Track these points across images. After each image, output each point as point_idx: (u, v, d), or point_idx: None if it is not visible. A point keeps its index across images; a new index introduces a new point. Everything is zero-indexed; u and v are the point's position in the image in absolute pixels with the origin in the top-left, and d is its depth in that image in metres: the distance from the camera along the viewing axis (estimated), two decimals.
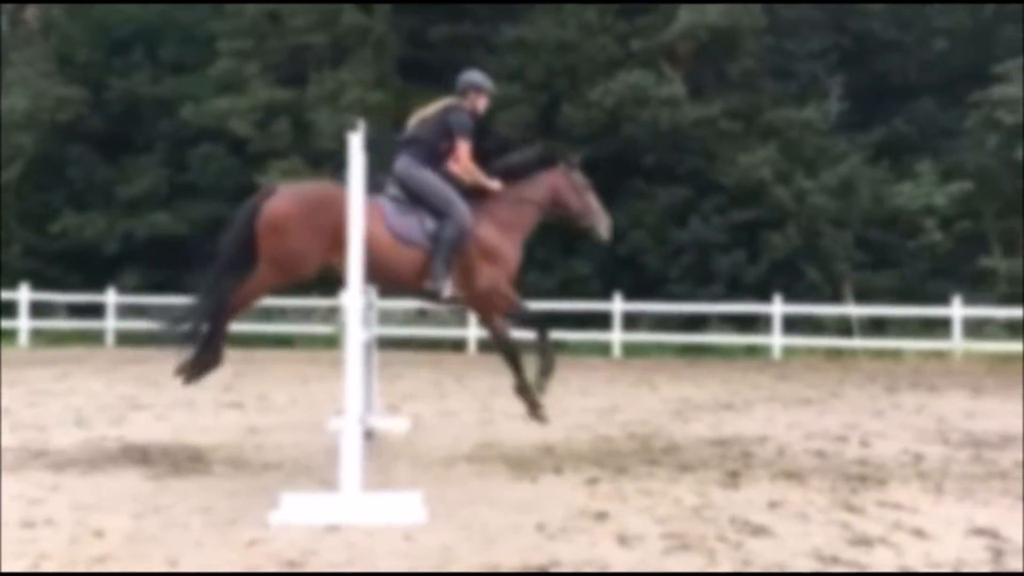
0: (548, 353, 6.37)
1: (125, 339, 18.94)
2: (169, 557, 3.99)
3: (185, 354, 6.06)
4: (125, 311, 19.44)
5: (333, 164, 17.12)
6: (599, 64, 20.78)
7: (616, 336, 17.74)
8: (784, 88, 21.53)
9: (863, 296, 18.63)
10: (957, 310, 16.74)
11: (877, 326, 18.04)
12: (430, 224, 6.11)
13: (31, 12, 24.11)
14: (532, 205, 6.47)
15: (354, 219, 4.94)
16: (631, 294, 18.20)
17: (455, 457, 6.41)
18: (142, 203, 22.10)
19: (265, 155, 21.07)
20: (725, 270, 19.59)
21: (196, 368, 6.08)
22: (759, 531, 4.47)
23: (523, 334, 6.56)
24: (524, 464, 6.12)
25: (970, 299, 17.40)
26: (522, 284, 6.63)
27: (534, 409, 6.38)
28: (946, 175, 19.81)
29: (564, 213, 6.64)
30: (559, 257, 19.62)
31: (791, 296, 17.94)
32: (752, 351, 17.45)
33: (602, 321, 18.08)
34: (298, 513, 4.55)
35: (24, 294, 19.08)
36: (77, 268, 21.80)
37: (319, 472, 5.74)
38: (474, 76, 6.59)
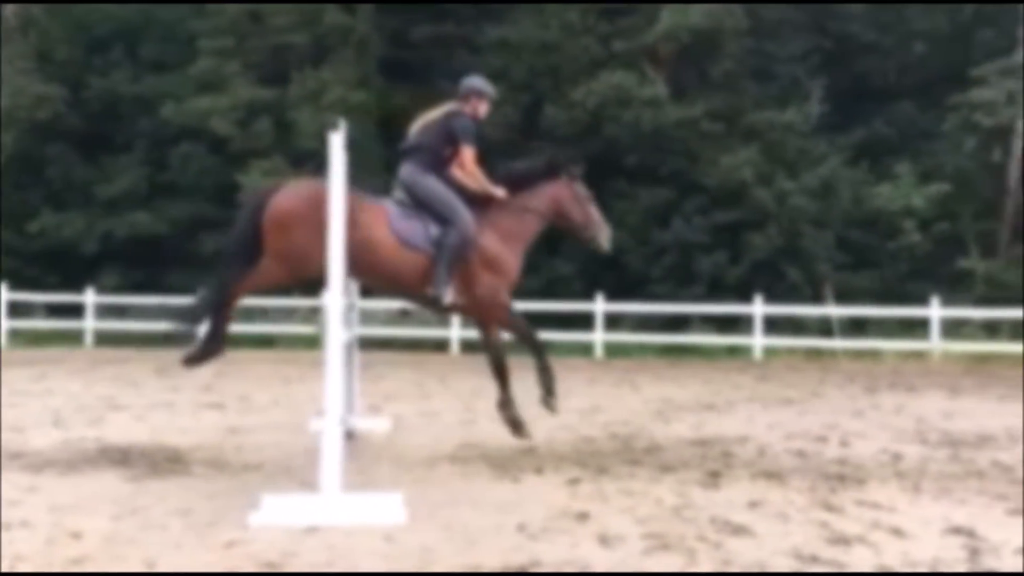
0: (547, 372, 6.46)
1: (104, 339, 18.81)
2: (147, 559, 3.96)
3: (193, 345, 6.13)
4: (104, 311, 19.33)
5: (314, 164, 17.05)
6: (581, 65, 20.84)
7: (598, 336, 17.77)
8: (765, 90, 21.66)
9: (843, 297, 18.76)
10: (935, 311, 16.88)
11: (857, 327, 18.16)
12: (434, 230, 6.15)
13: (10, 10, 23.87)
14: (535, 215, 6.54)
15: (335, 218, 4.93)
16: (613, 294, 18.24)
17: (437, 458, 6.41)
18: (121, 202, 21.94)
19: (246, 154, 20.97)
20: (707, 271, 19.67)
21: (201, 356, 6.11)
22: (739, 531, 4.49)
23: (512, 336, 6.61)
24: (506, 465, 6.12)
25: (948, 300, 17.55)
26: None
27: (515, 428, 6.46)
28: (924, 177, 20.00)
29: (566, 224, 6.72)
30: (542, 258, 19.63)
31: (772, 297, 18.04)
32: (733, 351, 17.53)
33: (584, 321, 18.09)
34: (278, 514, 4.53)
35: (2, 294, 18.91)
36: (56, 268, 21.62)
37: (300, 473, 5.72)
38: (476, 81, 6.61)
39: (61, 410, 8.68)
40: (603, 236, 6.74)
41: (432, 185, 6.26)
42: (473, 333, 15.36)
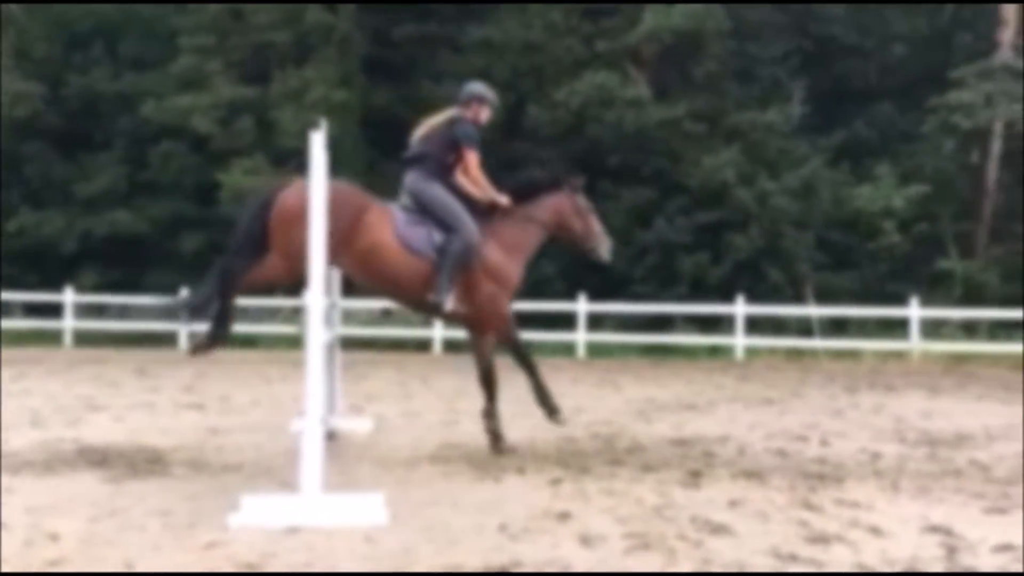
0: (543, 390, 6.65)
1: (83, 339, 18.64)
2: (126, 560, 3.93)
3: (199, 334, 6.19)
4: (83, 311, 19.15)
5: (296, 162, 16.98)
6: (565, 65, 20.87)
7: (580, 336, 17.79)
8: (747, 91, 21.78)
9: (823, 297, 18.89)
10: (915, 311, 17.01)
11: (837, 327, 18.28)
12: (438, 237, 6.19)
13: None
14: (537, 226, 6.62)
15: (315, 217, 4.90)
16: (595, 295, 18.26)
17: (418, 458, 6.39)
18: (101, 201, 21.77)
19: (227, 153, 20.86)
20: (689, 271, 19.75)
21: (209, 344, 6.11)
22: (719, 530, 4.51)
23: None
24: (487, 465, 6.12)
25: (927, 300, 17.70)
26: None
27: (494, 440, 6.53)
28: (904, 178, 20.17)
29: (567, 235, 6.82)
30: None
31: (753, 297, 18.12)
32: (715, 351, 17.60)
33: (566, 322, 18.12)
34: (258, 515, 4.51)
35: None
36: (34, 267, 21.43)
37: (280, 474, 5.69)
38: (477, 87, 6.65)
39: (39, 410, 8.60)
40: (604, 247, 6.88)
41: (437, 192, 6.31)
42: (456, 333, 15.37)
